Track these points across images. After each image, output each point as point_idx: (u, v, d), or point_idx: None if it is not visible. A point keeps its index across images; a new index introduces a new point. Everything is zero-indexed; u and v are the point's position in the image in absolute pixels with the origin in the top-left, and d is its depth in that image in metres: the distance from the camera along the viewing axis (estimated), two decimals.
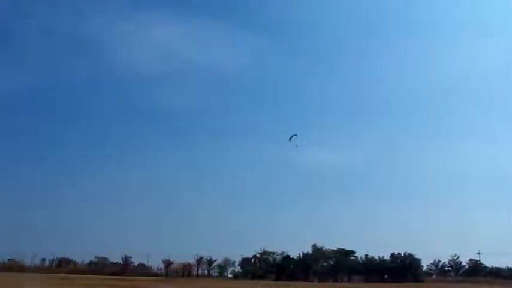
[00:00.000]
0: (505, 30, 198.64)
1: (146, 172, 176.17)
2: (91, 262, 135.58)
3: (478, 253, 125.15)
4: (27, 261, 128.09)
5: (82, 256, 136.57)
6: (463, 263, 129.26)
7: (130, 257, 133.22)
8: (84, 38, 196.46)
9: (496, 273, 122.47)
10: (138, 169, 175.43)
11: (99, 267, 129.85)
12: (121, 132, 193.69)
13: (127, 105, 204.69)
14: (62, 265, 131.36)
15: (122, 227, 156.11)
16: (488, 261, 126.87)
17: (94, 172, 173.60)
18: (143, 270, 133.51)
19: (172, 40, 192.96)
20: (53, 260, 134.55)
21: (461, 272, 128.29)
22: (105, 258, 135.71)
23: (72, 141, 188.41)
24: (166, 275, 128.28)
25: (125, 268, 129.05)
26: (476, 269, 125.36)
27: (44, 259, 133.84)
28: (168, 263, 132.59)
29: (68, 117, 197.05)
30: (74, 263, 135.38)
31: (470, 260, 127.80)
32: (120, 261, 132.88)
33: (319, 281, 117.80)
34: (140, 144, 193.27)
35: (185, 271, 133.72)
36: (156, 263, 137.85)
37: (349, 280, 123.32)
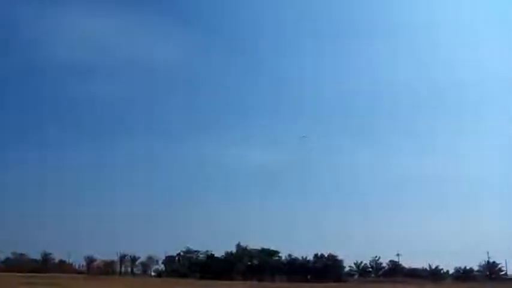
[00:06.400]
0: (456, 31, 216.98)
1: (67, 166, 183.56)
2: (7, 259, 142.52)
3: (398, 254, 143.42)
4: None
5: None
6: (383, 264, 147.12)
7: (50, 254, 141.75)
8: (9, 26, 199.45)
9: (413, 274, 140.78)
10: (58, 162, 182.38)
11: (17, 264, 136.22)
12: (41, 123, 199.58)
13: (53, 97, 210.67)
14: None
15: (41, 223, 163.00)
16: (407, 262, 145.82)
17: (13, 164, 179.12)
18: (64, 267, 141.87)
19: (102, 32, 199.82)
20: None
21: (381, 272, 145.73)
22: (23, 255, 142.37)
23: None
24: (88, 272, 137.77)
25: (45, 265, 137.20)
26: (395, 270, 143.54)
27: None
28: (90, 261, 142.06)
29: None
30: None
31: (390, 261, 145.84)
32: (39, 257, 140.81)
33: (244, 280, 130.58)
34: (62, 136, 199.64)
35: (108, 269, 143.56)
36: (77, 260, 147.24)
37: (272, 280, 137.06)
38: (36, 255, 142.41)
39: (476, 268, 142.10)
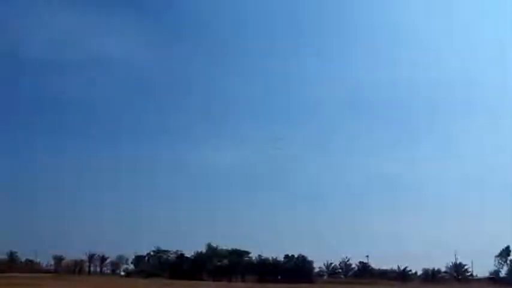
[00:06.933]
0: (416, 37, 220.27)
1: (35, 166, 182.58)
2: None
3: (367, 256, 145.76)
4: None
5: None
6: (353, 265, 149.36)
7: (16, 253, 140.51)
8: None
9: (382, 275, 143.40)
10: (26, 162, 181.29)
11: None
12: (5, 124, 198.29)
13: (15, 95, 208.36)
14: None
15: (7, 222, 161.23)
16: (376, 263, 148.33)
17: None
18: (31, 267, 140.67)
19: (67, 29, 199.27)
20: None
21: (350, 273, 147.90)
22: None
23: None
24: (56, 271, 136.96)
25: (11, 265, 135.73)
26: (364, 271, 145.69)
27: None
28: (58, 260, 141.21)
29: None
30: None
31: (360, 262, 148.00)
32: (5, 257, 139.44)
33: (214, 281, 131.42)
34: (29, 135, 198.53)
35: (76, 268, 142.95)
36: (45, 259, 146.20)
37: (242, 280, 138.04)
38: (2, 255, 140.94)
39: (443, 269, 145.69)
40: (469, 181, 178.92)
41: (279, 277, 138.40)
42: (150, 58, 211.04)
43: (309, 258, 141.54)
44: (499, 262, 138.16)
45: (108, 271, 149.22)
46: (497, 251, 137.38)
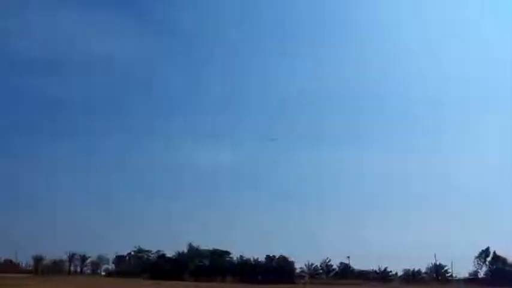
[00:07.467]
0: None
1: (17, 165, 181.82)
2: None
3: (348, 257, 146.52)
4: None
5: None
6: (334, 266, 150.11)
7: None
8: None
9: (361, 275, 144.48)
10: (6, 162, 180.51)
11: None
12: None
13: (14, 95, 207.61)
14: None
15: None
16: (357, 264, 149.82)
17: None
18: (10, 267, 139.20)
19: (66, 28, 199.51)
20: None
21: (331, 274, 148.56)
22: None
23: None
24: (36, 272, 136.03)
25: None
26: (345, 272, 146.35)
27: None
28: (38, 260, 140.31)
29: None
30: None
31: (341, 263, 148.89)
32: None
33: (195, 281, 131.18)
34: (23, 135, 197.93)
35: (56, 268, 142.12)
36: (25, 260, 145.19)
37: (223, 280, 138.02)
38: None
39: (424, 270, 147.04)
40: (449, 183, 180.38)
41: (259, 278, 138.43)
42: (150, 58, 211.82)
43: (290, 259, 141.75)
44: (478, 263, 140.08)
45: (89, 271, 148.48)
46: (477, 253, 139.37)
